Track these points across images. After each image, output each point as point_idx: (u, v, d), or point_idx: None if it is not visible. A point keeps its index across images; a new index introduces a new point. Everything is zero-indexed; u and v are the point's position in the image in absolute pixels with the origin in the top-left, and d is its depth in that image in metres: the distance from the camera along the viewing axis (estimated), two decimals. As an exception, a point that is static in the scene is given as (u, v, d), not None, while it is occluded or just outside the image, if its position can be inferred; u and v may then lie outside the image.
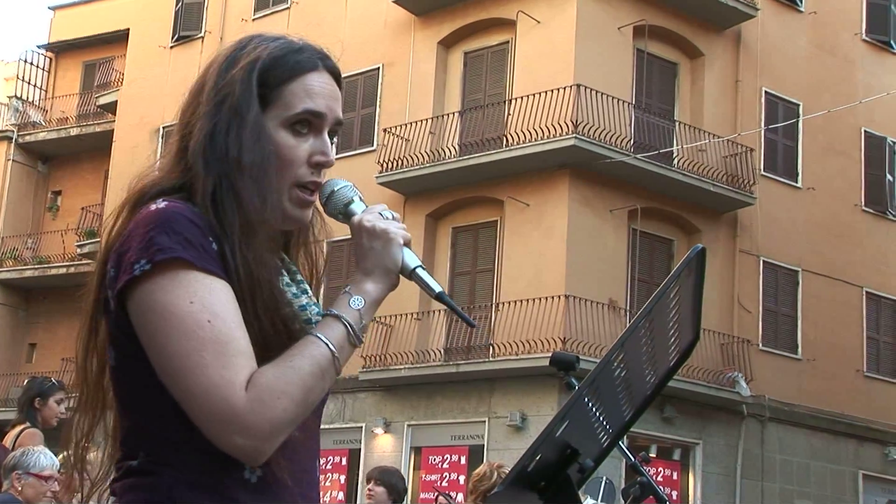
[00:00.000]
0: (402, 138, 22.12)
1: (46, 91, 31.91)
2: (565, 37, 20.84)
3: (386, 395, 21.50)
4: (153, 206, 1.66)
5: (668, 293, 1.71)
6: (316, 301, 1.84)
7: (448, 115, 22.03)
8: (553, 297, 19.61)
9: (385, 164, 21.94)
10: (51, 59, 32.13)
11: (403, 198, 21.99)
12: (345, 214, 1.79)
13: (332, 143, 1.82)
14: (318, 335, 1.66)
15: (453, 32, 22.52)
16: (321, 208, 1.83)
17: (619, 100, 20.63)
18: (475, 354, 20.45)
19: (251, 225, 1.67)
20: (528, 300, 19.85)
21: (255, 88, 1.74)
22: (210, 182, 1.69)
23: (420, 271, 1.74)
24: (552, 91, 20.30)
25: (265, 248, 1.69)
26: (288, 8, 25.11)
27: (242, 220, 1.67)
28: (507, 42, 21.96)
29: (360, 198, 1.81)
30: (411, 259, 1.74)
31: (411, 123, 22.16)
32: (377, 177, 21.67)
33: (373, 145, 22.92)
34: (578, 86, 20.18)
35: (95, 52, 31.12)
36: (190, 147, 1.73)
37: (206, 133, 1.72)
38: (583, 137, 19.91)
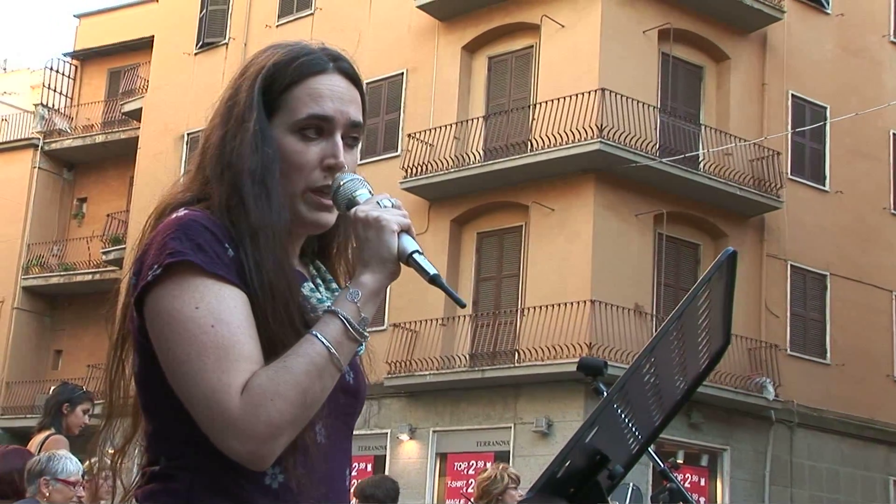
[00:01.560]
0: (426, 143, 22.14)
1: (72, 99, 32.11)
2: (590, 41, 20.81)
3: (411, 402, 21.51)
4: (174, 216, 1.69)
5: (699, 297, 1.70)
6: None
7: (472, 120, 22.04)
8: (578, 303, 19.57)
9: (409, 170, 21.97)
10: (76, 67, 32.34)
11: (428, 203, 22.01)
12: (350, 207, 1.77)
13: (354, 147, 1.82)
14: (314, 333, 1.65)
15: (477, 37, 22.54)
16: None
17: (644, 104, 20.59)
18: (500, 360, 20.43)
19: (258, 230, 1.67)
20: (553, 305, 19.82)
21: (258, 96, 1.74)
22: (224, 190, 1.70)
23: (417, 256, 1.70)
24: (577, 95, 20.27)
25: (278, 251, 1.68)
26: (312, 14, 25.19)
27: (251, 226, 1.68)
28: (532, 46, 21.95)
29: (370, 190, 1.78)
30: (408, 244, 1.71)
31: (436, 129, 22.17)
32: (401, 182, 21.69)
33: (397, 151, 22.94)
34: (603, 90, 20.14)
35: (120, 60, 31.31)
36: (207, 160, 1.76)
37: (216, 143, 1.74)
38: (608, 142, 19.87)
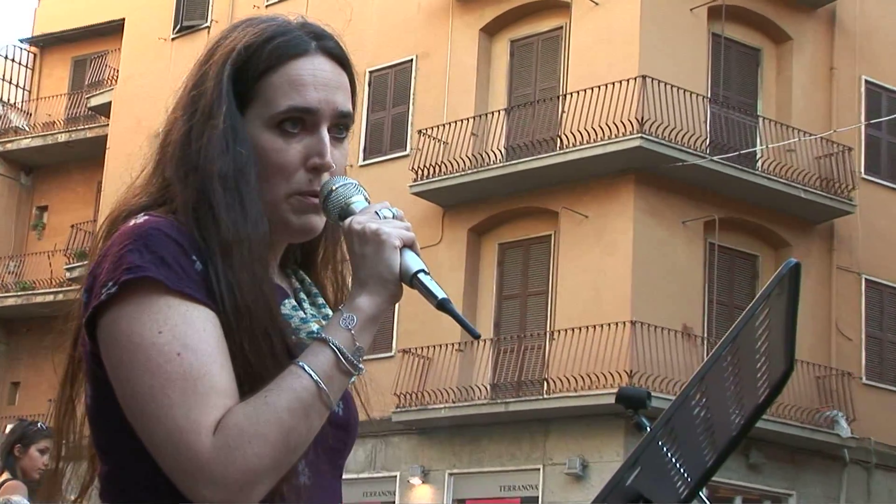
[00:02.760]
0: (439, 141, 22.18)
1: (30, 92, 32.30)
2: (628, 20, 20.84)
3: (423, 440, 21.50)
4: (132, 222, 1.66)
5: (756, 316, 1.69)
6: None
7: (493, 113, 22.06)
8: (617, 324, 19.54)
9: (420, 172, 22.00)
10: (35, 55, 32.53)
11: (442, 210, 22.03)
12: (343, 217, 1.73)
13: (342, 142, 1.79)
14: (301, 364, 1.61)
15: (498, 17, 22.58)
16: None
17: (691, 93, 20.58)
18: (527, 391, 20.40)
19: (230, 243, 1.65)
20: (587, 327, 19.80)
21: (227, 85, 1.71)
22: (190, 196, 1.68)
23: (422, 276, 1.68)
24: (613, 84, 20.29)
25: (255, 267, 1.66)
26: (306, -8, 25.29)
27: (222, 237, 1.65)
28: (561, 28, 21.98)
29: (366, 197, 1.75)
30: (412, 262, 1.69)
31: (450, 124, 22.21)
32: (411, 186, 21.72)
33: (405, 149, 22.98)
34: (644, 77, 20.14)
35: (86, 47, 31.49)
36: (167, 160, 1.73)
37: (179, 140, 1.72)
38: (650, 137, 19.87)
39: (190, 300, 1.60)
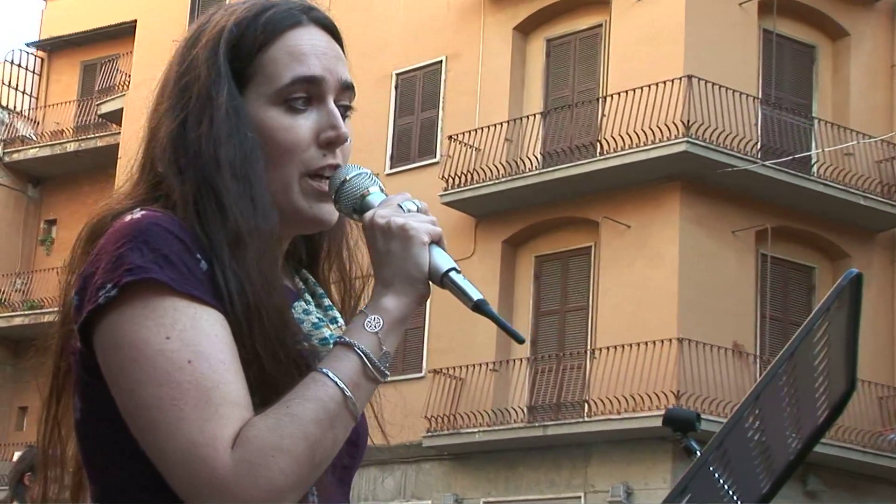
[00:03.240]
0: (471, 147, 22.20)
1: (37, 98, 32.52)
2: (673, 16, 20.82)
3: (456, 466, 21.48)
4: (127, 217, 1.62)
5: (814, 332, 1.68)
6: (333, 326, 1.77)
7: (528, 117, 22.07)
8: (663, 342, 19.50)
9: (451, 180, 22.03)
10: (42, 60, 32.76)
11: (474, 220, 22.04)
12: (359, 211, 1.70)
13: (346, 120, 1.75)
14: (324, 370, 1.59)
15: (533, 15, 22.60)
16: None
17: (741, 93, 20.54)
18: (567, 413, 20.37)
19: (240, 236, 1.62)
20: (631, 345, 19.75)
21: (224, 64, 1.70)
22: (190, 189, 1.65)
23: (454, 275, 1.65)
24: (657, 85, 20.27)
25: (266, 265, 1.63)
26: (328, -10, 25.41)
27: (229, 230, 1.63)
28: (600, 25, 21.98)
29: (381, 188, 1.72)
30: (442, 260, 1.65)
31: (482, 129, 22.23)
32: (441, 195, 21.74)
33: (435, 156, 23.01)
34: (690, 77, 20.11)
35: (96, 50, 31.70)
36: (157, 152, 1.70)
37: (171, 132, 1.68)
38: (696, 141, 19.83)
39: (197, 302, 1.57)
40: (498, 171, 21.70)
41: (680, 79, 20.17)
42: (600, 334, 20.51)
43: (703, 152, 19.85)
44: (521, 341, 1.70)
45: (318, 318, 1.74)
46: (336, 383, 1.58)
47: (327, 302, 1.80)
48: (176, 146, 1.68)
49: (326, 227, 1.76)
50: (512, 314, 21.57)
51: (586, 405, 20.14)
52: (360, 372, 1.60)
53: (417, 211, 1.67)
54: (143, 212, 1.62)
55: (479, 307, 1.66)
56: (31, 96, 32.58)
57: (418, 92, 23.75)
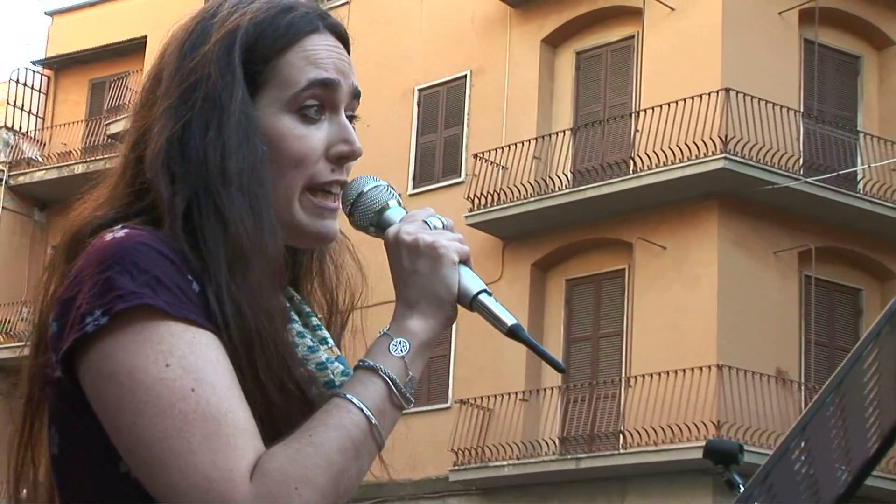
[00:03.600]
0: (497, 166, 22.21)
1: (43, 119, 32.69)
2: (709, 26, 20.81)
3: (485, 501, 21.43)
4: (108, 237, 1.58)
5: (864, 358, 1.67)
6: (340, 354, 1.74)
7: (557, 133, 22.08)
8: (702, 369, 19.44)
9: (476, 200, 22.04)
10: (49, 78, 32.94)
11: (502, 243, 22.03)
12: (377, 226, 1.68)
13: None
14: (348, 396, 1.56)
15: (561, 27, 22.63)
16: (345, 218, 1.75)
17: (782, 107, 20.50)
18: (601, 445, 20.31)
19: (244, 256, 1.58)
20: (668, 373, 19.70)
21: (240, 67, 1.66)
22: (181, 201, 1.60)
23: (484, 298, 1.62)
24: (693, 98, 20.25)
25: (266, 285, 1.60)
26: (347, 3, 25.48)
27: (231, 249, 1.58)
28: (633, 37, 21.98)
29: (399, 201, 1.71)
30: (472, 282, 1.62)
31: (509, 146, 22.25)
32: (467, 216, 21.75)
33: (460, 176, 23.03)
34: (728, 90, 20.09)
35: (105, 68, 31.87)
36: (147, 157, 1.64)
37: (170, 135, 1.63)
38: (735, 157, 19.79)
39: (195, 326, 1.53)
40: (526, 190, 21.69)
41: (717, 92, 20.15)
42: (635, 361, 20.45)
43: (742, 169, 19.80)
44: (561, 370, 1.66)
45: (312, 342, 1.69)
46: (361, 410, 1.56)
47: (315, 321, 1.76)
48: (173, 151, 1.63)
49: (327, 244, 1.74)
50: (542, 341, 21.52)
51: (621, 436, 20.07)
52: (385, 398, 1.58)
53: (443, 228, 1.66)
54: (126, 230, 1.58)
55: (513, 333, 1.63)
56: (37, 116, 32.73)
57: (442, 108, 23.78)
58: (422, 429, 21.38)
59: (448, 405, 21.66)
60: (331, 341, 1.74)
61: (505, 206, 21.73)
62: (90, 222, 1.66)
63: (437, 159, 23.61)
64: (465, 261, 1.64)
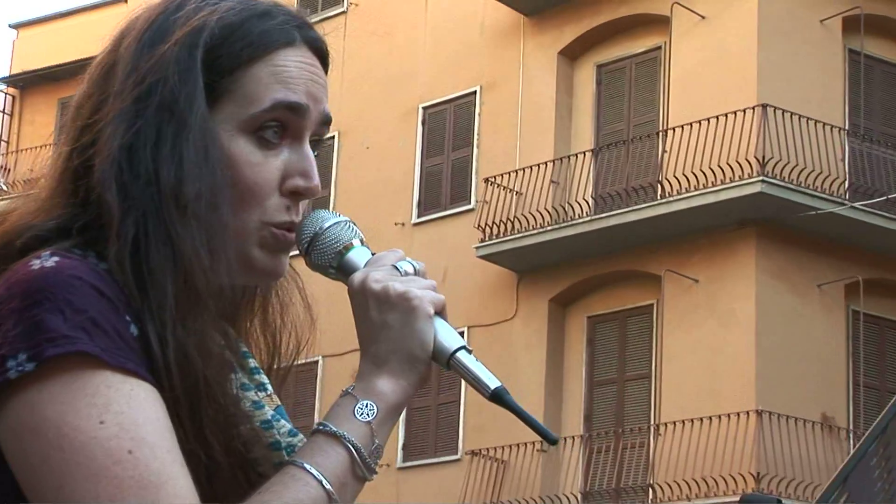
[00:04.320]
0: (510, 191, 22.19)
1: (8, 142, 32.74)
2: (743, 36, 20.81)
3: (499, 564, 21.35)
4: (35, 265, 1.49)
5: (914, 402, 1.68)
6: (279, 404, 1.69)
7: (576, 155, 22.07)
8: (739, 415, 19.37)
9: (488, 229, 22.01)
10: (14, 98, 33.00)
11: (516, 276, 21.99)
12: (339, 268, 1.63)
13: (315, 151, 1.68)
14: (306, 466, 1.52)
15: (580, 37, 22.64)
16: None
17: (824, 124, 20.48)
18: (628, 500, 20.22)
19: (196, 294, 1.53)
20: (702, 420, 19.63)
21: (202, 74, 1.60)
22: (131, 225, 1.54)
23: (463, 356, 1.57)
24: (727, 115, 20.24)
25: (213, 329, 1.55)
26: (345, 12, 25.54)
27: (182, 286, 1.52)
28: (659, 48, 21.99)
29: (363, 240, 1.65)
30: (449, 337, 1.58)
31: (524, 170, 22.23)
32: (477, 247, 21.71)
33: (469, 203, 23.01)
34: (765, 106, 20.08)
35: (75, 85, 31.83)
36: (96, 166, 1.57)
37: (121, 145, 1.57)
38: (773, 181, 19.77)
39: (133, 377, 1.47)
40: (542, 218, 21.67)
41: (753, 108, 20.13)
42: (665, 407, 20.38)
43: (781, 193, 19.77)
44: (553, 442, 1.62)
45: (256, 397, 1.64)
46: (321, 483, 1.51)
47: (252, 362, 1.69)
48: (122, 167, 1.55)
49: (276, 280, 1.68)
50: (562, 385, 21.47)
51: (650, 490, 19.99)
52: (347, 469, 1.53)
53: (415, 273, 1.61)
54: (57, 259, 1.50)
55: (498, 397, 1.58)
56: (1, 140, 32.79)
57: (449, 128, 23.78)
58: (429, 483, 21.34)
59: (458, 457, 21.57)
60: (269, 388, 1.68)
61: (519, 235, 21.69)
62: (24, 229, 1.58)
63: (445, 184, 23.59)
64: (440, 312, 1.60)
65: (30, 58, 32.87)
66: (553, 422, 20.90)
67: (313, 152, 1.66)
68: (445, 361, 1.57)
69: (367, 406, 1.56)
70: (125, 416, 1.45)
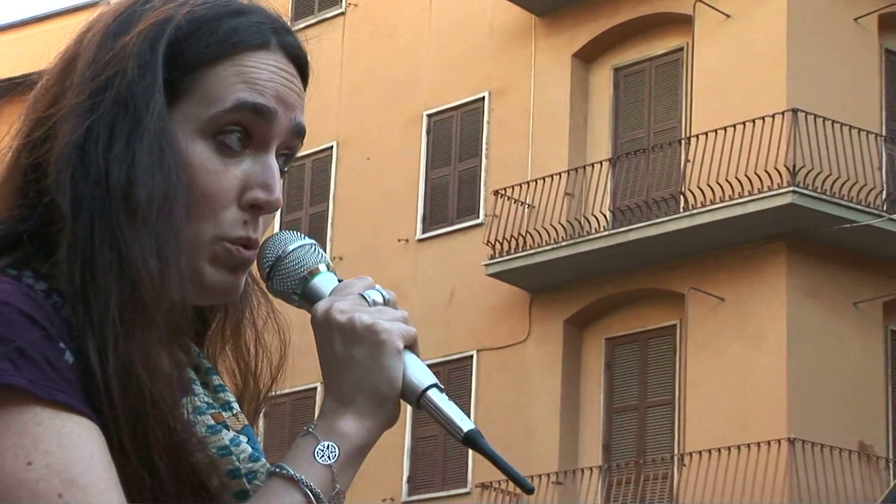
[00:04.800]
0: (522, 204, 22.19)
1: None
2: (771, 35, 20.81)
3: None
4: None
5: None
6: (246, 423, 1.66)
7: (593, 165, 22.07)
8: (769, 443, 19.34)
9: (498, 246, 22.00)
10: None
11: (529, 296, 21.97)
12: (303, 295, 1.61)
13: (283, 173, 1.64)
14: None
15: (596, 38, 22.65)
16: (259, 280, 1.67)
17: (860, 130, 20.48)
18: (650, 537, 20.23)
19: (142, 305, 1.50)
20: (729, 449, 19.61)
21: (162, 70, 1.57)
22: (82, 230, 1.51)
23: (434, 395, 1.55)
24: (754, 121, 20.24)
25: (163, 347, 1.52)
26: (343, 13, 25.56)
27: (127, 295, 1.50)
28: (681, 49, 22.00)
29: (329, 265, 1.64)
30: (420, 373, 1.55)
31: (536, 181, 22.24)
32: (486, 265, 21.70)
33: (477, 217, 23.01)
34: (795, 111, 20.08)
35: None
36: (49, 165, 1.55)
37: (72, 142, 1.54)
38: (805, 191, 19.75)
39: (66, 411, 1.44)
40: (557, 233, 21.67)
41: (782, 113, 20.13)
42: (690, 435, 20.36)
43: (813, 205, 19.76)
44: (528, 491, 1.60)
45: (214, 422, 1.61)
46: None
47: (216, 380, 1.67)
48: (73, 166, 1.53)
49: (230, 299, 1.65)
50: (578, 412, 21.45)
51: (675, 525, 19.98)
52: None
53: (385, 303, 1.58)
54: None
55: (471, 441, 1.57)
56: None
57: (455, 137, 23.79)
58: (436, 519, 21.30)
59: (467, 490, 21.55)
60: (235, 407, 1.65)
61: (532, 251, 21.69)
62: None
63: (451, 198, 23.59)
64: (411, 346, 1.57)
65: (3, 65, 32.92)
66: (570, 452, 20.89)
67: (284, 168, 1.63)
68: (415, 400, 1.55)
69: (328, 448, 1.54)
70: (55, 456, 1.43)
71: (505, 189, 22.42)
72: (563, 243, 21.48)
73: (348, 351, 1.55)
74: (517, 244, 21.93)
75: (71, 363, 1.47)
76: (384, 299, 1.58)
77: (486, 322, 21.95)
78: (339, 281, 1.62)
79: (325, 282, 1.61)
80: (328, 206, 24.28)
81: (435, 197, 23.77)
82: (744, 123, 20.33)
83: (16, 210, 1.56)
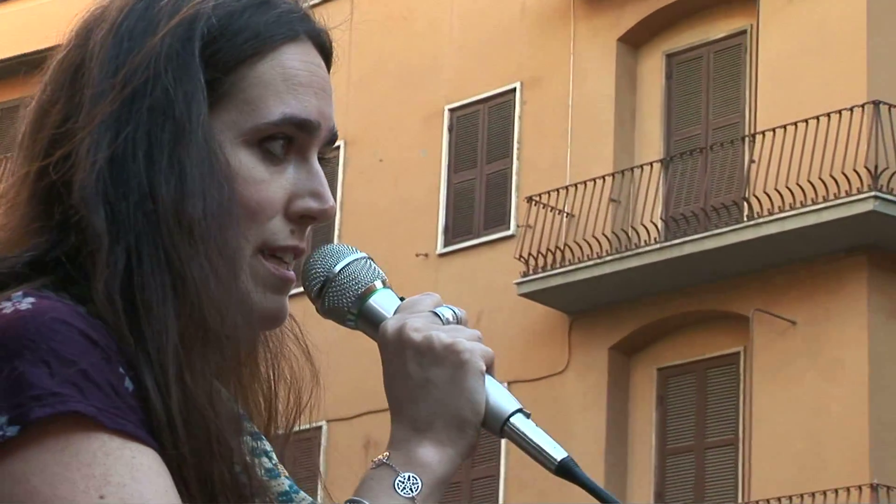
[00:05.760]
0: (559, 212, 22.21)
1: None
2: (849, 17, 20.81)
3: None
4: (6, 308, 1.51)
5: None
6: (286, 473, 1.70)
7: (642, 167, 22.08)
8: (849, 489, 19.33)
9: (532, 261, 22.02)
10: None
11: (568, 319, 21.98)
12: (360, 315, 1.66)
13: None
14: None
15: (645, 20, 22.66)
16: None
17: (952, 125, 20.48)
18: None
19: (205, 330, 1.55)
20: (802, 496, 19.60)
21: (203, 71, 1.62)
22: (122, 252, 1.55)
23: (520, 422, 1.60)
24: (829, 115, 20.24)
25: (226, 378, 1.58)
26: (350, -8, 25.63)
27: (189, 322, 1.54)
28: (744, 32, 22.01)
29: (385, 281, 1.67)
30: (501, 398, 1.61)
31: (576, 186, 22.25)
32: (518, 283, 21.72)
33: (508, 228, 23.03)
34: (877, 103, 20.07)
35: (9, 87, 32.14)
36: (75, 184, 1.58)
37: (107, 157, 1.58)
38: (888, 196, 19.75)
39: (133, 440, 1.50)
40: (600, 246, 21.68)
41: (862, 106, 20.13)
42: (756, 481, 20.36)
43: (898, 212, 19.78)
44: None
45: (270, 463, 1.67)
46: None
47: (251, 427, 1.71)
48: (108, 183, 1.57)
49: (276, 327, 1.70)
50: (626, 453, 21.45)
51: (739, 585, 19.98)
52: None
53: (457, 322, 1.63)
54: (33, 299, 1.51)
55: (565, 470, 1.62)
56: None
57: (482, 135, 23.82)
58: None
59: (497, 545, 21.59)
60: (274, 456, 1.70)
61: (571, 268, 21.71)
62: None
63: (477, 205, 23.62)
64: (489, 369, 1.62)
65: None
66: (608, 473, 20.90)
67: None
68: (499, 427, 1.59)
69: (409, 479, 1.57)
70: (128, 490, 1.47)
71: (539, 195, 22.44)
72: (608, 258, 21.49)
73: (426, 373, 1.59)
74: (554, 259, 21.95)
75: (131, 390, 1.51)
76: (456, 317, 1.62)
77: (518, 350, 21.95)
78: (401, 299, 1.65)
79: (384, 300, 1.65)
80: (335, 215, 24.34)
81: (458, 205, 23.80)
82: (817, 118, 20.33)
83: (43, 235, 1.59)
